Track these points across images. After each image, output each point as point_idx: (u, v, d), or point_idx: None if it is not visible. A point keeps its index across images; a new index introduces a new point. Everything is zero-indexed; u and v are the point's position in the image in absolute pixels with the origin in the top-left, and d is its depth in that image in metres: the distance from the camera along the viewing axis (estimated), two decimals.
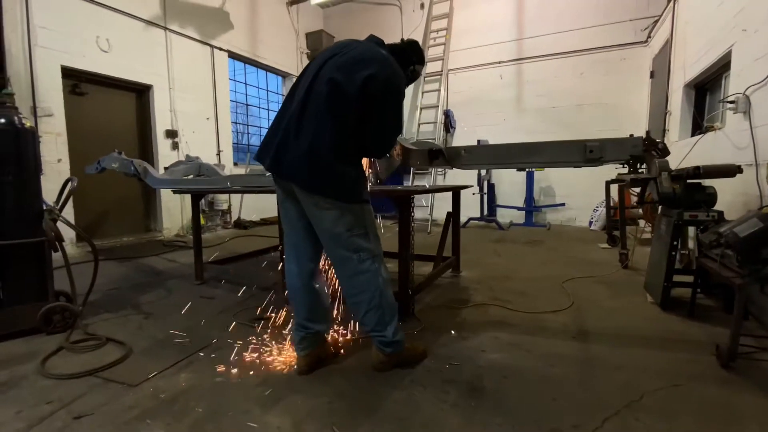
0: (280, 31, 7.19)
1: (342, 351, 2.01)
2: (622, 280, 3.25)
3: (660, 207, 2.67)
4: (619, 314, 2.50)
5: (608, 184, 4.57)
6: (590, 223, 6.01)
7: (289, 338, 2.04)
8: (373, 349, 1.83)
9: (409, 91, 7.04)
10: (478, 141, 6.12)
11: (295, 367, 1.84)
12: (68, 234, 4.23)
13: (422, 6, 7.34)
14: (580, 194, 6.18)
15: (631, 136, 3.85)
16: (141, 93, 5.05)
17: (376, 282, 1.73)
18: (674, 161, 4.02)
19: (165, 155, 5.17)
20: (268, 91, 7.46)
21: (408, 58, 1.84)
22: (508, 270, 3.78)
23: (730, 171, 2.18)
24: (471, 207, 6.50)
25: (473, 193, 6.21)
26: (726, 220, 2.23)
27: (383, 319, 1.76)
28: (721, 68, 3.19)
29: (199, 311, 2.77)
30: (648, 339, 2.10)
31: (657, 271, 2.61)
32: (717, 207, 2.38)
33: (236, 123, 6.63)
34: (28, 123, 2.33)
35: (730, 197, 2.47)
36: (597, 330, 2.26)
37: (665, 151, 3.42)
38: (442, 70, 6.96)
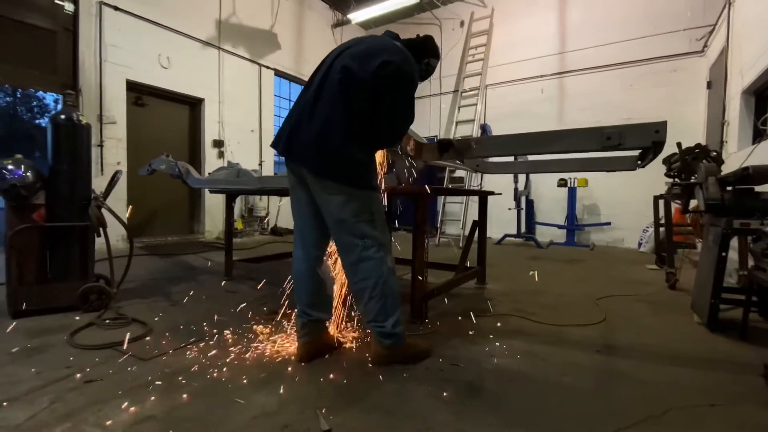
0: (325, 51, 7.38)
1: (345, 344, 1.97)
2: (666, 300, 2.93)
3: (708, 216, 2.40)
4: (657, 333, 2.24)
5: (656, 199, 4.19)
6: (639, 244, 5.53)
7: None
8: (373, 342, 1.78)
9: (446, 104, 7.07)
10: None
11: (298, 350, 1.83)
12: (120, 231, 4.63)
13: (462, 24, 7.43)
14: (629, 213, 5.73)
15: (674, 155, 3.58)
16: (194, 105, 5.52)
17: (380, 270, 1.70)
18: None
19: (211, 163, 5.56)
20: None
21: (422, 52, 1.87)
22: (540, 285, 3.55)
23: None
24: (508, 223, 6.27)
25: (509, 209, 5.99)
26: None
27: (385, 308, 1.71)
28: None
29: (221, 303, 2.88)
30: (686, 358, 1.85)
31: (704, 287, 2.33)
32: None
33: None
34: (84, 120, 2.62)
35: None
36: (627, 345, 2.04)
37: (718, 160, 3.13)
38: (480, 86, 6.92)
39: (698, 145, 3.21)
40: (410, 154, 2.20)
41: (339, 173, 1.64)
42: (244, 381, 1.62)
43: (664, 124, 1.42)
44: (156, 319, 2.46)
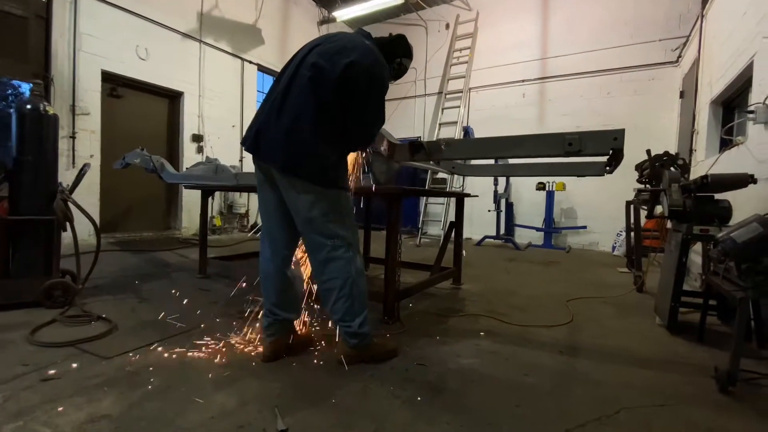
0: None
1: (312, 342, 1.96)
2: (632, 302, 3.02)
3: (670, 222, 2.48)
4: (620, 334, 2.30)
5: (628, 204, 4.31)
6: (613, 248, 5.68)
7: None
8: (339, 341, 1.78)
9: (431, 106, 7.09)
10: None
11: (263, 350, 1.82)
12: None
13: (447, 26, 7.48)
14: (604, 217, 5.88)
15: (645, 162, 3.67)
16: (173, 99, 5.41)
17: (349, 270, 1.70)
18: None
19: (189, 158, 5.46)
20: None
21: (394, 51, 1.86)
22: (514, 286, 3.61)
23: (741, 181, 2.00)
24: (488, 225, 6.35)
25: (489, 210, 6.07)
26: None
27: (352, 309, 1.72)
28: (746, 82, 2.99)
29: (192, 300, 2.83)
30: (644, 359, 1.92)
31: (666, 290, 2.41)
32: (735, 221, 2.18)
33: None
34: (51, 110, 2.54)
35: (752, 212, 2.26)
36: (590, 347, 2.10)
37: (685, 168, 3.24)
38: (463, 89, 6.99)
39: (666, 153, 3.32)
40: (384, 154, 2.21)
41: (308, 171, 1.63)
42: (206, 380, 1.61)
43: (621, 132, 1.47)
44: (122, 316, 2.41)
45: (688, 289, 2.44)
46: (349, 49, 1.66)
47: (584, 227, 6.07)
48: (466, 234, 5.67)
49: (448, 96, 7.15)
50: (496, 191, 5.99)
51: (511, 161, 3.40)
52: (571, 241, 6.26)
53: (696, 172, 3.84)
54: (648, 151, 3.99)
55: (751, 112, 2.35)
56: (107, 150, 4.60)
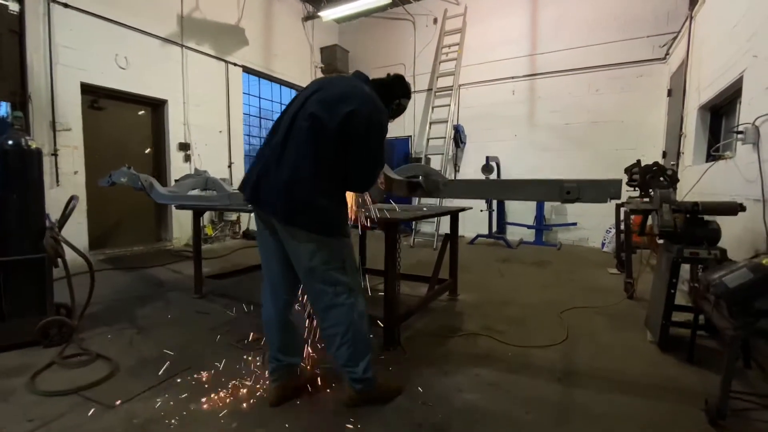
0: (295, 46, 7.35)
1: (316, 380, 1.99)
2: (623, 313, 3.11)
3: (661, 239, 2.54)
4: (614, 353, 2.38)
5: (618, 207, 4.39)
6: (603, 244, 5.81)
7: (265, 366, 2.04)
8: (346, 384, 1.81)
9: (420, 103, 7.05)
10: (487, 158, 6.05)
11: (269, 395, 1.84)
12: (82, 243, 4.42)
13: (435, 21, 7.35)
14: (594, 214, 5.97)
15: (635, 166, 3.73)
16: (156, 107, 5.25)
17: (351, 316, 1.72)
18: (686, 186, 3.84)
19: (177, 167, 5.34)
20: (281, 103, 7.61)
21: (393, 93, 1.85)
22: (509, 294, 3.68)
23: (730, 209, 2.06)
24: (481, 223, 6.40)
25: (481, 210, 6.11)
26: (729, 260, 2.11)
27: (356, 354, 1.74)
28: (734, 93, 3.04)
29: (190, 327, 2.83)
30: (638, 385, 1.99)
31: (656, 308, 2.49)
32: (724, 242, 2.25)
33: (249, 135, 6.78)
34: (34, 144, 2.46)
35: (739, 232, 2.33)
36: (586, 371, 2.17)
37: (674, 179, 3.30)
38: (453, 85, 6.93)
39: (656, 164, 3.37)
40: (380, 188, 2.20)
41: (308, 222, 1.62)
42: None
43: (618, 183, 1.49)
44: (121, 352, 2.40)
45: (678, 303, 2.51)
46: (348, 97, 1.63)
47: (574, 224, 6.18)
48: (458, 232, 5.72)
49: (437, 93, 7.08)
50: None
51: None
52: (561, 238, 6.37)
53: (684, 177, 3.92)
54: (638, 162, 4.06)
55: (740, 132, 2.39)
56: (92, 165, 4.47)
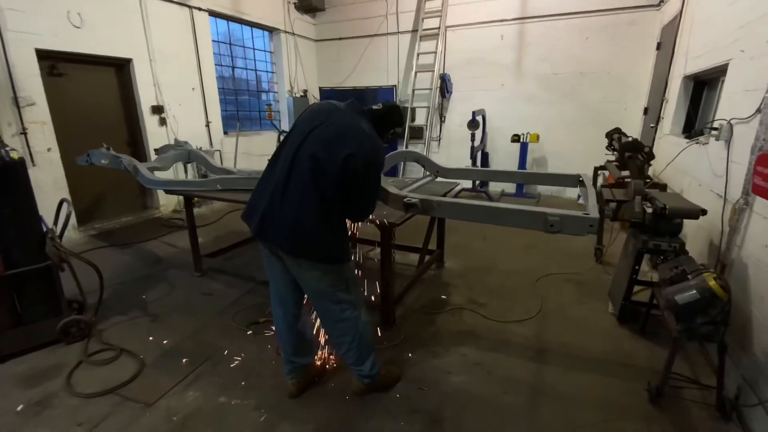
0: None
1: (328, 367, 2.30)
2: (591, 280, 3.48)
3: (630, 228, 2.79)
4: (578, 327, 2.76)
5: (596, 170, 4.59)
6: (579, 196, 6.11)
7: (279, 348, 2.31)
8: (354, 377, 2.11)
9: (404, 48, 6.63)
10: (473, 113, 5.98)
11: (287, 389, 2.14)
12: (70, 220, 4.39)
13: None
14: (573, 166, 6.07)
15: (614, 132, 3.83)
16: (121, 68, 4.81)
17: (356, 327, 1.95)
18: (662, 155, 4.03)
19: (153, 132, 5.10)
20: (255, 49, 7.04)
21: (389, 124, 1.88)
22: (490, 259, 4.00)
23: (692, 214, 2.28)
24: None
25: (465, 166, 6.21)
26: (685, 253, 2.39)
27: (361, 356, 2.01)
28: (720, 72, 3.07)
29: (199, 312, 3.04)
30: (597, 362, 2.38)
31: (619, 286, 2.83)
32: (685, 230, 2.51)
33: (223, 88, 6.37)
34: (16, 155, 2.37)
35: (700, 222, 2.57)
36: (554, 347, 2.54)
37: (650, 156, 3.48)
38: (439, 27, 6.51)
39: (635, 141, 3.51)
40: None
41: (314, 254, 1.76)
42: (248, 429, 1.92)
43: (596, 220, 1.65)
44: (143, 345, 2.62)
45: (639, 278, 2.80)
46: (346, 138, 1.66)
47: None
48: (461, 166, 5.86)
49: (423, 37, 6.67)
50: (473, 146, 6.06)
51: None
52: (541, 189, 6.63)
53: (660, 146, 4.09)
54: (618, 129, 4.17)
55: (716, 129, 2.52)
56: (64, 139, 4.23)
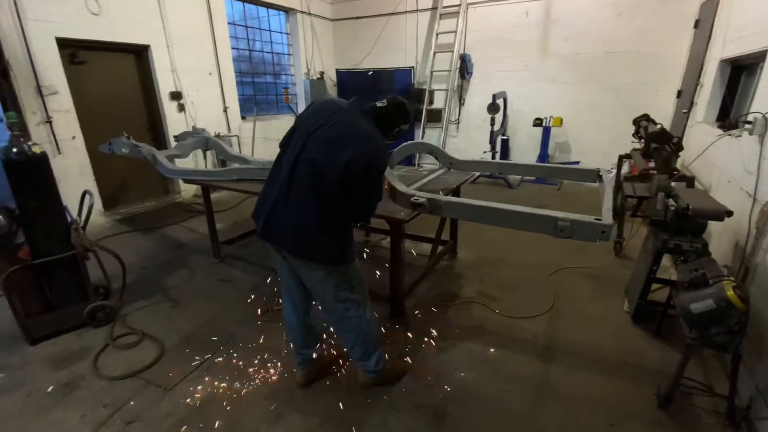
0: None
1: (336, 362, 2.36)
2: (608, 275, 3.39)
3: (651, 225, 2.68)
4: (590, 325, 2.71)
5: (621, 159, 4.39)
6: None
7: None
8: (360, 371, 2.16)
9: (423, 27, 6.42)
10: (494, 96, 5.78)
11: (297, 379, 2.22)
12: (96, 205, 4.58)
13: None
14: (597, 152, 5.95)
15: (642, 118, 3.64)
16: (139, 54, 4.87)
17: (361, 325, 1.99)
18: (694, 149, 3.80)
19: (173, 119, 5.19)
20: (271, 31, 6.95)
21: (394, 121, 1.84)
22: (504, 250, 3.94)
23: (717, 215, 2.16)
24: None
25: (484, 152, 6.07)
26: (708, 254, 2.28)
27: (367, 352, 2.06)
28: (760, 57, 2.83)
29: (217, 298, 3.16)
30: (606, 363, 2.34)
31: (636, 284, 2.75)
32: (709, 229, 2.39)
33: (240, 72, 6.36)
34: (38, 149, 2.46)
35: (725, 222, 2.44)
36: (563, 346, 2.52)
37: (678, 147, 3.30)
38: (460, 4, 6.23)
39: (662, 131, 3.32)
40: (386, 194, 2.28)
41: (316, 256, 1.78)
42: (259, 416, 2.01)
43: (609, 227, 1.59)
44: (163, 330, 2.76)
45: (659, 274, 2.70)
46: (346, 140, 1.64)
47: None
48: (476, 157, 5.75)
49: (442, 15, 6.41)
50: (492, 131, 5.89)
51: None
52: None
53: (691, 134, 3.85)
54: (646, 116, 3.95)
55: (749, 122, 2.35)
56: (87, 127, 4.37)
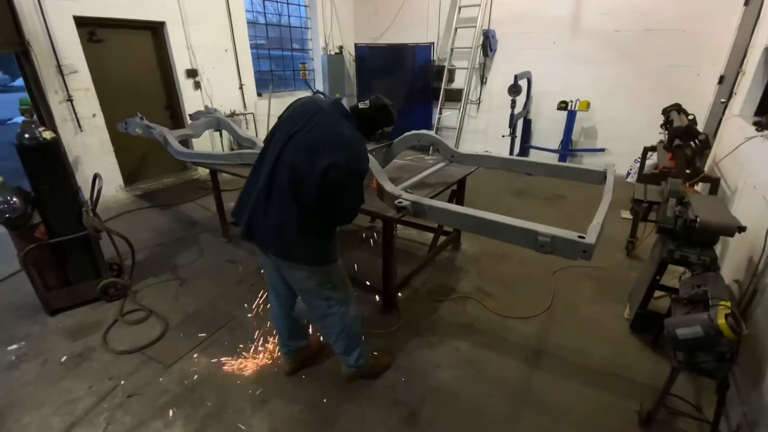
0: None
1: (321, 352, 2.44)
2: (614, 276, 3.26)
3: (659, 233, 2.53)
4: (586, 330, 2.65)
5: (646, 150, 4.11)
6: (628, 173, 5.57)
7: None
8: (341, 365, 2.23)
9: (446, 3, 6.08)
10: (516, 77, 5.46)
11: (283, 367, 2.32)
12: (117, 181, 4.80)
13: None
14: (625, 139, 5.57)
15: (672, 108, 3.39)
16: (156, 31, 4.90)
17: (343, 322, 2.03)
18: (728, 145, 3.48)
19: (189, 97, 5.25)
20: (289, 4, 6.78)
21: (377, 123, 1.79)
22: (508, 244, 3.81)
23: (727, 231, 2.00)
24: (503, 144, 6.16)
25: (503, 136, 5.83)
26: (716, 269, 2.14)
27: (348, 348, 2.11)
28: None
29: (221, 279, 3.30)
30: (594, 372, 2.29)
31: (639, 291, 2.64)
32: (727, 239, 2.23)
33: (256, 48, 6.28)
34: (48, 135, 2.57)
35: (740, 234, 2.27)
36: (553, 350, 2.48)
37: (705, 144, 3.05)
38: None
39: (689, 126, 3.07)
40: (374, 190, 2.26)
41: (299, 257, 1.80)
42: (246, 399, 2.13)
43: (591, 246, 1.51)
44: (169, 308, 2.93)
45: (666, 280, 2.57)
46: (325, 145, 1.61)
47: (603, 150, 5.84)
48: (479, 151, 5.63)
49: None
50: (512, 114, 5.61)
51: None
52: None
53: (725, 128, 3.52)
54: (678, 106, 3.65)
55: None
56: (107, 105, 4.50)
